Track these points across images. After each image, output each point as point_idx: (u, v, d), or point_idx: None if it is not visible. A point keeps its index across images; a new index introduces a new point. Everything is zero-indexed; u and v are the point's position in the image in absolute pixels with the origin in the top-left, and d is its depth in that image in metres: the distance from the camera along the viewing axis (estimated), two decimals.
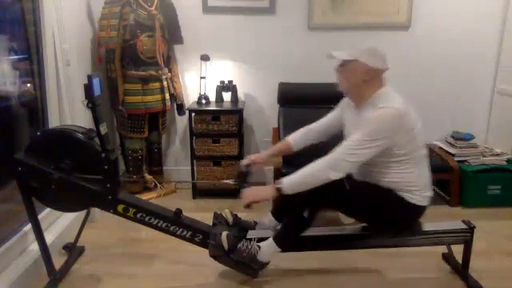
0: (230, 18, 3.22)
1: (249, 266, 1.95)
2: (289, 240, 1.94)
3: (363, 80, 1.82)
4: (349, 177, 1.84)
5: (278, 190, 1.81)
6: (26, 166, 1.83)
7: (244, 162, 2.13)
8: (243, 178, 2.09)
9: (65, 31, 2.46)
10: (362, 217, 2.00)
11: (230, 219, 2.07)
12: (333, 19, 3.21)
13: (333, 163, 1.75)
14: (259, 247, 1.93)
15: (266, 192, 1.87)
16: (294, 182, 1.80)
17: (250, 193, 1.90)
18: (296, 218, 1.89)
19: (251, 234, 2.03)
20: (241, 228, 2.04)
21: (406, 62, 3.29)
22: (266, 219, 2.16)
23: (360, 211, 1.94)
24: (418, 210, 1.90)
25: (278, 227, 2.02)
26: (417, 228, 2.01)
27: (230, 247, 1.92)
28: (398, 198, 1.85)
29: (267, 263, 1.98)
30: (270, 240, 1.93)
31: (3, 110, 2.24)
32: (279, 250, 1.92)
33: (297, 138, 2.16)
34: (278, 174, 2.61)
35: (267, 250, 1.93)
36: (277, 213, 2.15)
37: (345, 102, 2.08)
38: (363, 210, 1.92)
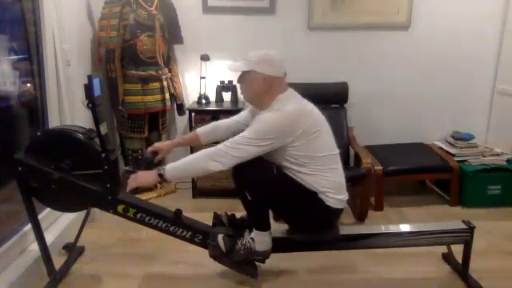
0: (230, 18, 3.22)
1: (251, 261, 1.95)
2: (259, 220, 1.92)
3: (262, 89, 1.84)
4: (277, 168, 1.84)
5: (160, 175, 1.81)
6: (26, 166, 1.83)
7: (149, 149, 2.13)
8: (147, 166, 2.06)
9: (65, 31, 2.46)
10: (280, 210, 2.00)
11: (226, 221, 2.07)
12: (333, 19, 3.21)
13: (215, 154, 1.77)
14: (253, 239, 1.91)
15: (148, 177, 1.86)
16: (176, 168, 1.81)
17: (133, 178, 1.89)
18: (247, 204, 1.92)
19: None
20: (236, 227, 2.04)
21: (406, 62, 3.29)
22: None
23: (281, 204, 1.92)
24: (333, 213, 1.90)
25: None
26: (334, 231, 2.00)
27: (227, 249, 1.92)
28: (314, 196, 1.84)
29: (268, 252, 1.95)
30: (253, 231, 1.92)
31: (3, 109, 2.24)
32: (267, 231, 1.91)
33: (205, 132, 2.16)
34: None
35: (259, 237, 1.91)
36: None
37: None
38: (283, 203, 1.90)
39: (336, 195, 1.87)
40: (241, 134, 1.78)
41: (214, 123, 2.20)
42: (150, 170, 1.87)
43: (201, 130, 2.16)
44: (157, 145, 2.14)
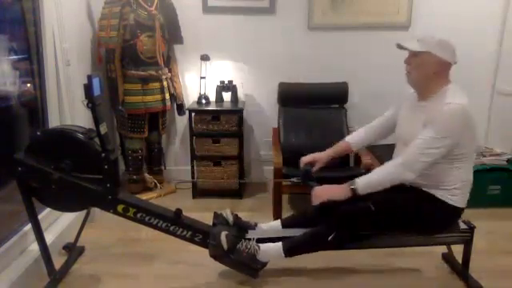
0: (230, 18, 3.22)
1: (248, 266, 1.95)
2: (298, 253, 1.96)
3: (432, 73, 1.80)
4: (370, 197, 1.82)
5: (353, 190, 1.78)
6: (26, 166, 1.83)
7: (305, 159, 2.10)
8: (307, 176, 2.05)
9: (65, 31, 2.46)
10: (396, 227, 1.95)
11: (231, 219, 2.07)
12: (333, 19, 3.21)
13: (408, 164, 1.73)
14: (259, 247, 1.93)
15: (340, 192, 1.81)
16: (369, 184, 1.78)
17: (322, 191, 1.85)
18: (319, 239, 1.90)
19: (251, 234, 2.03)
20: (240, 228, 2.04)
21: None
22: (266, 226, 2.15)
23: (393, 224, 1.91)
24: (455, 211, 1.89)
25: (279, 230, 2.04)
26: (455, 228, 1.99)
27: (229, 247, 1.92)
28: (431, 197, 1.83)
29: (266, 263, 1.98)
30: (279, 245, 1.93)
31: (3, 109, 2.24)
32: (283, 257, 1.93)
33: (356, 139, 2.15)
34: (279, 174, 2.60)
35: (271, 252, 1.94)
36: (288, 222, 2.13)
37: (403, 99, 2.06)
38: (397, 222, 1.89)
39: (465, 193, 1.87)
40: (422, 137, 1.72)
41: (362, 129, 2.17)
42: (337, 184, 1.84)
43: (351, 139, 2.15)
44: (314, 156, 2.11)
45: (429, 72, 1.80)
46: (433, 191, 1.84)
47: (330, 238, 1.85)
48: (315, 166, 2.09)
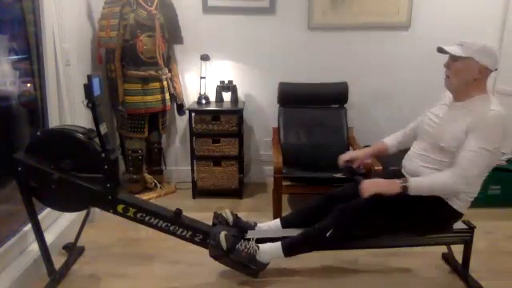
0: (230, 18, 3.22)
1: (248, 266, 1.95)
2: (297, 251, 1.96)
3: (473, 79, 1.77)
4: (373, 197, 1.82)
5: (404, 188, 1.76)
6: (26, 166, 1.83)
7: (344, 157, 2.10)
8: (352, 171, 2.06)
9: (65, 31, 2.46)
10: (393, 226, 1.95)
11: (231, 219, 2.07)
12: (333, 19, 3.21)
13: (465, 176, 1.71)
14: (258, 247, 1.93)
15: (391, 187, 1.78)
16: (421, 186, 1.77)
17: (372, 184, 1.83)
18: (317, 236, 1.89)
19: (250, 234, 2.03)
20: (240, 228, 2.04)
21: (406, 62, 3.29)
22: (266, 226, 2.15)
23: (390, 223, 1.91)
24: (456, 216, 1.89)
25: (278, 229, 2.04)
26: (448, 230, 2.00)
27: (228, 247, 1.92)
28: (436, 199, 1.82)
29: (266, 264, 1.98)
30: (278, 244, 1.93)
31: (3, 109, 2.24)
32: (283, 255, 1.92)
33: (392, 142, 2.15)
34: (279, 173, 2.60)
35: (270, 252, 1.94)
36: (288, 221, 2.13)
37: (433, 106, 2.03)
38: (394, 220, 1.89)
39: (469, 198, 1.86)
40: (471, 148, 1.69)
41: (399, 132, 2.16)
42: (389, 179, 1.82)
43: (389, 141, 2.14)
44: (351, 154, 2.11)
45: (469, 78, 1.77)
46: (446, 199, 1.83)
47: (328, 235, 1.85)
48: (355, 164, 2.08)
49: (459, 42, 1.81)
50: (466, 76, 1.78)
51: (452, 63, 1.81)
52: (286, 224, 2.12)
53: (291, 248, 1.94)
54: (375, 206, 1.83)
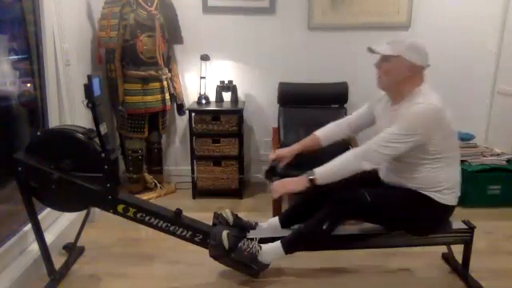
0: (230, 18, 3.22)
1: (249, 266, 1.95)
2: (298, 248, 1.95)
3: (405, 76, 1.79)
4: (369, 187, 1.84)
5: (312, 181, 1.78)
6: (26, 166, 1.83)
7: (271, 156, 2.11)
8: (272, 172, 2.08)
9: (65, 31, 2.46)
10: (388, 223, 1.97)
11: (231, 219, 2.07)
12: (333, 19, 3.21)
13: (366, 154, 1.75)
14: (260, 247, 1.93)
15: (298, 184, 1.82)
16: (326, 173, 1.79)
17: (280, 185, 1.87)
18: (314, 229, 1.89)
19: (252, 234, 2.03)
20: (241, 228, 2.04)
21: None
22: (266, 225, 2.15)
23: (386, 219, 1.92)
24: (447, 209, 1.89)
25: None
26: (447, 227, 1.99)
27: (230, 246, 1.91)
28: (425, 198, 1.83)
29: (268, 265, 1.98)
30: (277, 243, 1.93)
31: (3, 109, 2.24)
32: (284, 254, 1.92)
33: (326, 133, 2.12)
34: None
35: (271, 252, 1.93)
36: (286, 219, 2.13)
37: (376, 99, 2.06)
38: (389, 217, 1.90)
39: (452, 192, 1.86)
40: (388, 131, 1.73)
41: (333, 123, 2.15)
42: (295, 177, 1.85)
43: (321, 133, 2.12)
44: (279, 152, 2.11)
45: (400, 77, 1.79)
46: (426, 192, 1.83)
47: (324, 227, 1.85)
48: (281, 163, 2.09)
49: (388, 41, 1.83)
50: (397, 75, 1.80)
51: (382, 63, 1.84)
52: (284, 220, 2.12)
53: (291, 245, 1.93)
54: (370, 201, 1.83)
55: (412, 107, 1.74)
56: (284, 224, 2.11)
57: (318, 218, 1.87)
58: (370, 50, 1.84)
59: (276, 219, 2.15)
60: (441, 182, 1.83)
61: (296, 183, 1.84)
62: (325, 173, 1.79)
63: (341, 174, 1.79)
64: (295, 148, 2.11)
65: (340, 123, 2.14)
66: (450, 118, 1.79)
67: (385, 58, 1.82)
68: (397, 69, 1.79)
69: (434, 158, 1.79)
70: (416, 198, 1.84)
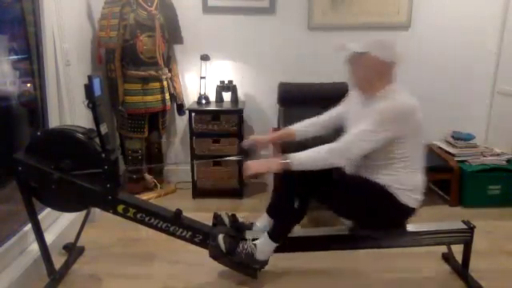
0: (230, 18, 3.22)
1: (248, 266, 1.95)
2: (283, 232, 1.93)
3: (374, 73, 1.80)
4: (338, 168, 1.86)
5: (285, 164, 1.78)
6: (26, 166, 1.83)
7: (246, 142, 2.14)
8: (246, 153, 2.13)
9: (65, 31, 2.46)
10: (348, 211, 1.98)
11: (227, 221, 2.07)
12: (333, 19, 3.21)
13: (340, 151, 1.76)
14: (255, 245, 1.93)
15: (272, 164, 1.83)
16: (300, 160, 1.79)
17: (254, 164, 1.86)
18: (287, 210, 1.90)
19: (248, 234, 2.03)
20: (238, 229, 2.04)
21: (405, 62, 3.28)
22: (260, 223, 2.14)
23: (348, 205, 1.92)
24: (406, 211, 1.89)
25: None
26: (401, 230, 2.00)
27: (227, 249, 1.92)
28: (388, 194, 1.84)
29: (266, 261, 1.97)
30: (265, 236, 1.92)
31: (3, 109, 2.24)
32: (275, 244, 1.91)
33: (300, 128, 2.16)
34: (278, 174, 2.60)
35: (264, 246, 1.92)
36: (271, 210, 2.12)
37: (350, 97, 2.07)
38: (351, 203, 1.90)
39: (413, 194, 1.86)
40: (361, 128, 1.74)
41: (308, 120, 2.18)
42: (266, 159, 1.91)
43: (296, 127, 2.16)
44: (254, 138, 2.18)
45: (369, 74, 1.81)
46: (390, 190, 1.84)
47: (296, 206, 1.85)
48: (258, 148, 2.15)
49: (359, 39, 1.85)
50: (367, 71, 1.81)
51: (352, 59, 1.85)
52: (271, 211, 2.12)
53: (275, 233, 1.92)
54: (335, 181, 1.88)
55: (383, 103, 1.75)
56: (272, 214, 2.10)
57: (287, 199, 1.89)
58: (340, 47, 1.85)
59: (265, 215, 2.14)
60: (402, 182, 1.83)
61: (270, 164, 1.85)
62: (299, 160, 1.79)
63: (313, 166, 1.79)
64: (270, 137, 2.21)
65: (315, 120, 2.17)
66: (420, 119, 1.80)
67: (355, 55, 1.84)
68: (366, 66, 1.81)
69: (399, 158, 1.80)
70: (379, 192, 1.84)
